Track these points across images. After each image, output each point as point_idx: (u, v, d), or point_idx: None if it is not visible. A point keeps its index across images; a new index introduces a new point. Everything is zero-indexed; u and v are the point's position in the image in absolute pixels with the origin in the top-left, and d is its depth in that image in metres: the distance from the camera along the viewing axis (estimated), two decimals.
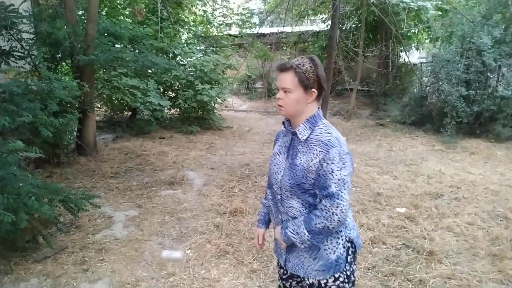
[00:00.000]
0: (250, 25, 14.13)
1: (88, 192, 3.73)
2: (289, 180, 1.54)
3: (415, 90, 10.38)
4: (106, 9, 8.79)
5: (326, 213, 1.45)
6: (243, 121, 10.82)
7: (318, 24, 14.35)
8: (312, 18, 14.56)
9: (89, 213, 3.95)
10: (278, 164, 1.64)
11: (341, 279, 1.57)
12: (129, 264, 3.11)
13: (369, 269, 3.04)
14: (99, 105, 8.66)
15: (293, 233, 1.54)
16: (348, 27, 12.03)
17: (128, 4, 9.20)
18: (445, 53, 8.40)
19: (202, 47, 11.30)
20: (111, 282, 2.86)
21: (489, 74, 7.95)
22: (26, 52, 5.18)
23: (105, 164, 5.86)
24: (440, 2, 10.23)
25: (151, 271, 3.03)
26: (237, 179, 5.36)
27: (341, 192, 1.43)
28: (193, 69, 9.20)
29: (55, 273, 2.94)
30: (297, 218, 1.57)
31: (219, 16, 12.92)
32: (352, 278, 1.62)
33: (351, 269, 1.60)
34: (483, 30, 7.77)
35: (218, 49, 11.32)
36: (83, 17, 6.39)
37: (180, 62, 9.74)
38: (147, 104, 7.48)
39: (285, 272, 1.77)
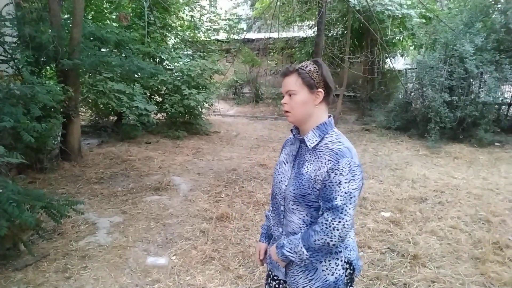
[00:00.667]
0: (237, 30, 14.21)
1: (71, 198, 3.66)
2: (293, 190, 1.45)
3: (400, 96, 10.57)
4: (92, 13, 8.72)
5: (327, 228, 1.35)
6: (230, 126, 10.81)
7: (305, 30, 14.53)
8: (299, 24, 14.75)
9: (72, 219, 3.87)
10: (283, 173, 1.55)
11: None
12: (113, 271, 3.06)
13: None
14: (84, 110, 8.55)
15: (290, 252, 1.45)
16: (334, 34, 12.22)
17: (115, 9, 9.14)
18: (429, 60, 8.58)
19: (189, 52, 11.29)
20: None
21: (471, 80, 8.12)
22: (9, 56, 5.08)
23: (89, 170, 5.77)
24: (424, 10, 10.47)
25: (135, 278, 2.99)
26: (224, 184, 5.34)
27: (346, 206, 1.33)
28: (180, 74, 9.17)
29: (36, 282, 2.87)
30: (295, 233, 1.49)
31: (206, 22, 12.94)
32: None
33: None
34: (465, 38, 7.96)
35: (206, 54, 11.32)
36: (68, 21, 6.31)
37: (167, 67, 9.71)
38: (133, 108, 7.40)
39: (277, 285, 1.68)
